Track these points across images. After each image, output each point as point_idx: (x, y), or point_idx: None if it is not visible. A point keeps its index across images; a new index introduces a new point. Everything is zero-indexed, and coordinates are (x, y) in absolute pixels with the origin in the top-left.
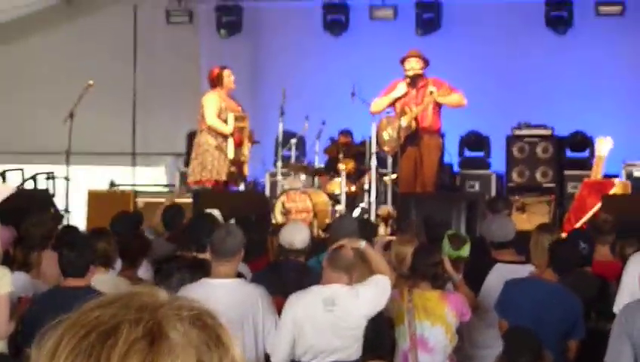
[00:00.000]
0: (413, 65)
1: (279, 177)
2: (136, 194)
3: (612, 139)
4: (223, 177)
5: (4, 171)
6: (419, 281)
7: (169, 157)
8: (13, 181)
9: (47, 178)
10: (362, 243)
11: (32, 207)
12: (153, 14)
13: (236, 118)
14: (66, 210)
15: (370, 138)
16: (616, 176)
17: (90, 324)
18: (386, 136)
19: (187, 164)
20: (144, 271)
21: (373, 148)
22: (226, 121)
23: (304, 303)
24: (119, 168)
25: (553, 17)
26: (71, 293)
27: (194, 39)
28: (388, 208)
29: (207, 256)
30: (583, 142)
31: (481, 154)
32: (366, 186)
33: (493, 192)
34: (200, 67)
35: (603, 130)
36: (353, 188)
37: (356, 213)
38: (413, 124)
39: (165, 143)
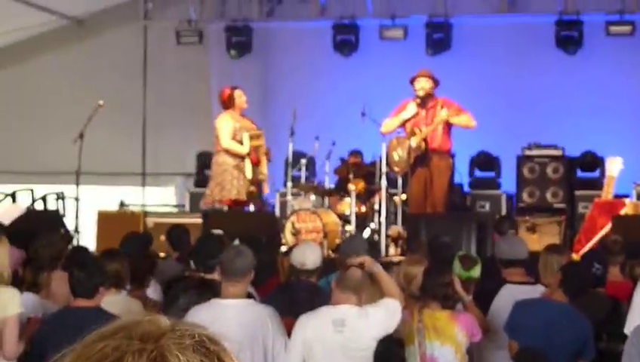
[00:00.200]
0: (423, 85)
1: (289, 197)
2: (145, 214)
3: (622, 159)
4: (243, 196)
5: (14, 192)
6: (429, 301)
7: (179, 177)
8: (23, 201)
9: (57, 198)
10: (378, 267)
11: (42, 227)
12: (163, 35)
13: (251, 137)
14: (76, 231)
15: (380, 158)
16: (626, 197)
17: (94, 357)
18: (396, 156)
19: (198, 184)
20: (152, 290)
21: (384, 169)
22: (241, 142)
23: (314, 324)
24: (129, 188)
25: (563, 37)
26: (80, 314)
27: (204, 59)
28: (398, 228)
29: (214, 276)
30: (593, 162)
31: (491, 174)
32: (376, 206)
33: (504, 212)
34: (210, 87)
35: (613, 151)
36: (363, 209)
37: (366, 233)
38: (423, 144)
39: (175, 163)
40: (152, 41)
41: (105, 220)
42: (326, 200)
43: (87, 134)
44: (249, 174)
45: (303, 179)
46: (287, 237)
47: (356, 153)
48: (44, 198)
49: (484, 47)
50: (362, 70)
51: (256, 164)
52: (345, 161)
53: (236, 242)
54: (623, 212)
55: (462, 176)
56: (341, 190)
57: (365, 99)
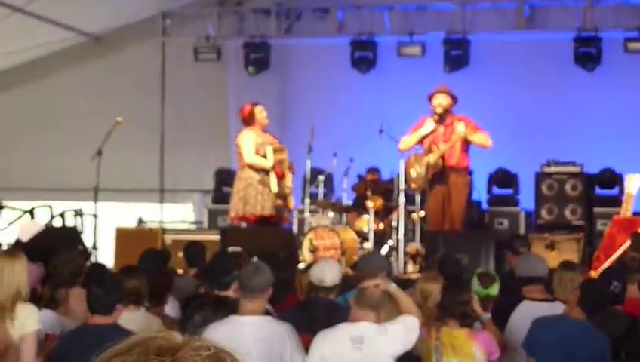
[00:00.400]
0: (441, 102)
1: (307, 214)
2: (164, 231)
3: None
4: (268, 211)
5: (33, 208)
6: (447, 319)
7: (197, 194)
8: (42, 218)
9: (76, 215)
10: (393, 286)
11: (60, 244)
12: (181, 51)
13: (275, 151)
14: (94, 247)
15: (398, 175)
16: None
17: None
18: (413, 173)
19: (216, 201)
20: (170, 307)
21: (402, 186)
22: (264, 156)
23: (332, 341)
24: (147, 205)
25: (582, 54)
26: (97, 331)
27: (222, 76)
28: (416, 246)
29: (229, 293)
30: (612, 179)
31: (509, 191)
32: (394, 224)
33: (522, 230)
34: (228, 104)
35: (632, 168)
36: (381, 226)
37: (384, 250)
38: (441, 161)
39: (193, 180)
40: (170, 57)
41: (123, 237)
42: (344, 217)
43: (106, 151)
44: (275, 188)
45: (320, 196)
46: (305, 254)
47: (374, 170)
48: (62, 215)
49: (501, 64)
50: (380, 87)
51: (281, 178)
52: (363, 178)
53: (255, 259)
54: None
55: (480, 193)
56: (359, 207)
57: (383, 116)
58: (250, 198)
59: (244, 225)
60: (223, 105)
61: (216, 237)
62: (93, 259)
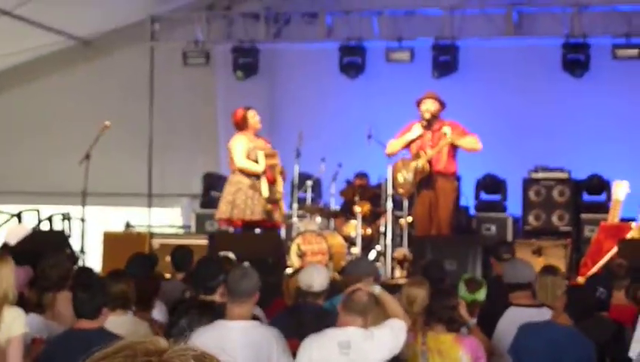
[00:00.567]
0: (429, 107)
1: (295, 219)
2: (151, 235)
3: (629, 182)
4: (257, 216)
5: (20, 212)
6: (434, 324)
7: (185, 198)
8: (29, 222)
9: (63, 219)
10: (377, 289)
11: (48, 248)
12: (170, 56)
13: (266, 156)
14: (82, 251)
15: (385, 180)
16: (633, 220)
17: None
18: (400, 178)
19: (204, 205)
20: (158, 312)
21: (389, 191)
22: (256, 161)
23: (319, 346)
24: (135, 209)
25: (570, 60)
26: (83, 335)
27: (211, 80)
28: (404, 251)
29: (215, 298)
30: (599, 185)
31: (497, 197)
32: (382, 229)
33: (510, 236)
34: (217, 108)
35: (620, 174)
36: (369, 231)
37: (372, 255)
38: (428, 166)
39: (181, 184)
40: (159, 62)
41: (111, 241)
42: (332, 222)
43: (94, 155)
44: (265, 193)
45: (308, 201)
46: (293, 259)
47: (362, 175)
48: (50, 219)
49: (490, 70)
50: (368, 92)
51: (272, 183)
52: (351, 183)
53: (246, 264)
54: (629, 235)
55: (468, 199)
56: (347, 212)
57: (371, 121)
58: (240, 203)
59: (231, 229)
60: (212, 110)
61: (204, 241)
62: (80, 263)
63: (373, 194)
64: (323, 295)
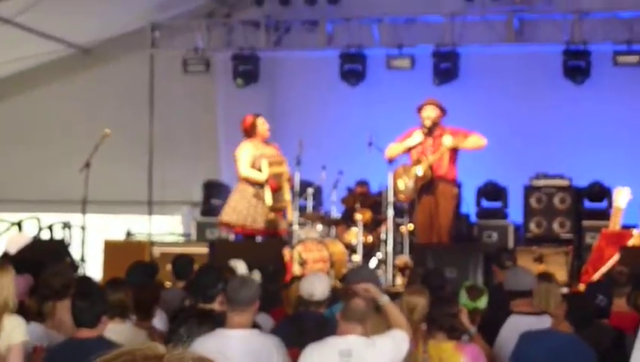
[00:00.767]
0: (430, 114)
1: (296, 227)
2: (152, 243)
3: (630, 189)
4: (258, 225)
5: (21, 220)
6: (435, 332)
7: (185, 206)
8: (30, 230)
9: (64, 227)
10: (385, 298)
11: (48, 256)
12: (170, 63)
13: (272, 164)
14: (82, 260)
15: (386, 188)
16: (634, 227)
17: None
18: (401, 184)
19: (204, 213)
20: (158, 320)
21: (390, 198)
22: (260, 169)
23: (320, 354)
24: (135, 217)
25: (571, 67)
26: (83, 344)
27: (211, 88)
28: (405, 258)
29: (214, 306)
30: (601, 192)
31: (498, 204)
32: (383, 236)
33: (511, 243)
34: (217, 116)
35: (621, 181)
36: (370, 239)
37: (373, 263)
38: (429, 172)
39: (182, 192)
40: (159, 69)
41: (111, 249)
42: (333, 229)
43: (94, 163)
44: (269, 201)
45: (309, 209)
46: (294, 266)
47: (363, 183)
48: (50, 227)
49: (491, 77)
50: (369, 99)
51: (275, 191)
52: (352, 191)
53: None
54: (630, 243)
55: (469, 206)
56: (348, 220)
57: (372, 128)
58: (242, 209)
59: (232, 236)
60: (212, 118)
61: (205, 249)
62: (81, 271)
63: (374, 202)
64: (325, 303)
